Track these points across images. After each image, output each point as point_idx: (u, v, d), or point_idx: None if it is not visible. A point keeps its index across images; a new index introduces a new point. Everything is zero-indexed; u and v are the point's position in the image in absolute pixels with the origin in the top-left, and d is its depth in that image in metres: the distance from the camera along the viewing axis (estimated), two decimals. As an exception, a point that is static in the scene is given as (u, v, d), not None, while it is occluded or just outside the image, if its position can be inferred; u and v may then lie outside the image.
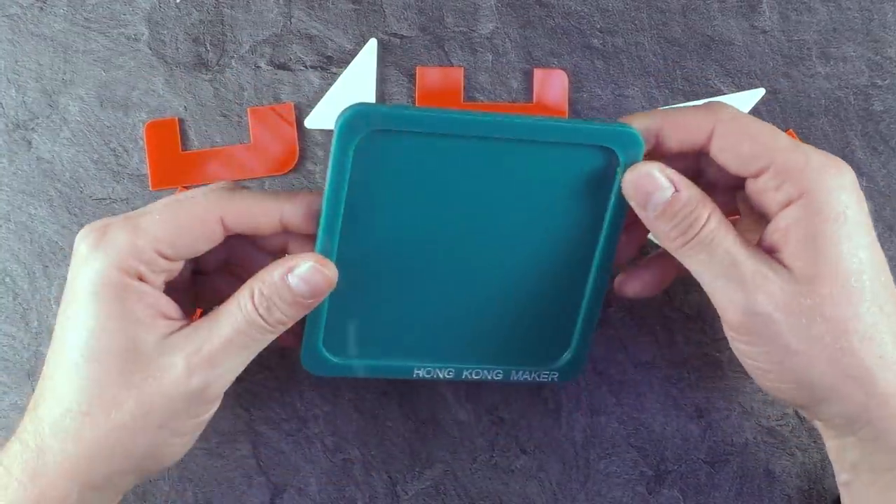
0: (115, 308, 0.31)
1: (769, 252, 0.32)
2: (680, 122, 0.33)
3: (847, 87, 0.43)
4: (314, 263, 0.32)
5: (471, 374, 0.37)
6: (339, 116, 0.32)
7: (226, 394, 0.33)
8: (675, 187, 0.31)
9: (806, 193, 0.30)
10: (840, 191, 0.30)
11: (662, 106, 0.42)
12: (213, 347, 0.31)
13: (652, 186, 0.32)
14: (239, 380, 0.33)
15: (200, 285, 0.37)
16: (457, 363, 0.37)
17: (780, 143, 0.31)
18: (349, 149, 0.32)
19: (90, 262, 0.31)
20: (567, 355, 0.38)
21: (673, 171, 0.32)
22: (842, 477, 0.34)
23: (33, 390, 0.33)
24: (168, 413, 0.31)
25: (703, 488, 0.41)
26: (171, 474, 0.40)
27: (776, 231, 0.32)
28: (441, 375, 0.37)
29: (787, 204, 0.31)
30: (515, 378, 0.38)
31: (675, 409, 0.41)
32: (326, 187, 0.33)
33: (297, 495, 0.40)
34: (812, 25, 0.43)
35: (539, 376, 0.38)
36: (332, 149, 0.32)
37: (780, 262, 0.31)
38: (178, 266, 0.33)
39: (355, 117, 0.31)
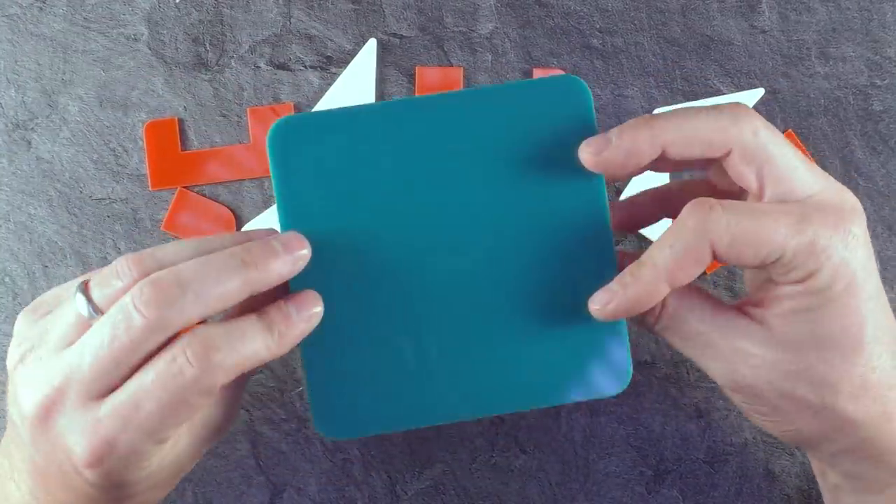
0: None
1: (755, 305, 0.30)
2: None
3: (846, 87, 0.43)
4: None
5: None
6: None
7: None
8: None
9: (813, 275, 0.28)
10: (848, 260, 0.28)
11: (661, 107, 0.42)
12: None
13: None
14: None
15: None
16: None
17: (782, 234, 0.28)
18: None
19: (95, 483, 0.29)
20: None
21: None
22: (826, 495, 0.35)
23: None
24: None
25: (703, 488, 0.41)
26: (170, 474, 0.40)
27: (770, 292, 0.30)
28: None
29: (790, 282, 0.29)
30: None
31: (675, 409, 0.41)
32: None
33: (296, 495, 0.40)
34: (811, 25, 0.43)
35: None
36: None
37: (764, 324, 0.29)
38: None
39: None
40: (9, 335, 0.41)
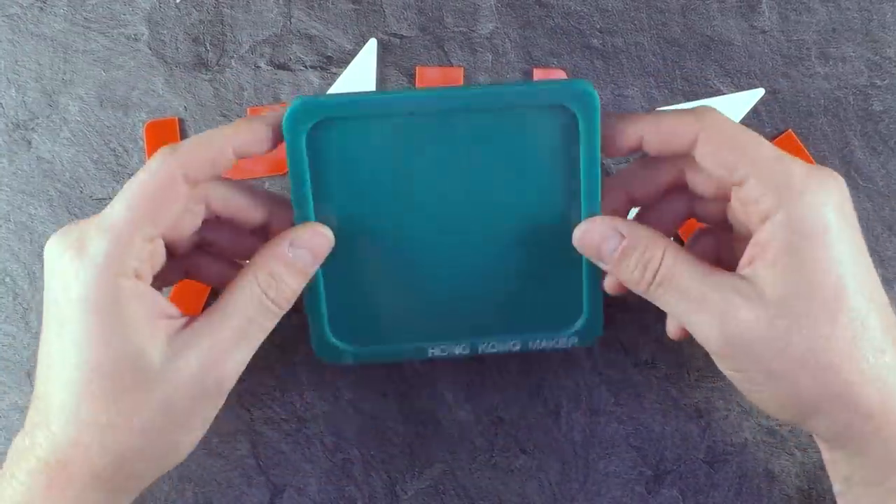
0: (117, 319, 0.30)
1: (745, 266, 0.31)
2: (664, 127, 0.32)
3: (846, 88, 0.43)
4: (312, 228, 0.33)
5: (487, 346, 0.37)
6: (286, 110, 0.33)
7: (225, 394, 0.33)
8: (622, 234, 0.32)
9: (784, 207, 0.29)
10: (822, 206, 0.29)
11: (662, 107, 0.42)
12: (226, 343, 0.31)
13: (599, 239, 0.33)
14: (239, 380, 0.33)
15: (172, 268, 0.36)
16: (471, 338, 0.37)
17: (763, 154, 0.30)
18: (300, 141, 0.33)
19: (79, 275, 0.30)
20: (581, 318, 0.37)
21: (619, 219, 0.33)
22: (836, 487, 0.35)
23: (33, 390, 0.33)
24: (186, 413, 0.32)
25: (703, 488, 0.41)
26: (170, 474, 0.40)
27: (755, 246, 0.31)
28: (457, 352, 0.37)
29: (767, 218, 0.30)
30: (534, 347, 0.37)
31: (675, 409, 0.41)
32: (290, 182, 0.33)
33: (296, 495, 0.40)
34: (811, 26, 0.43)
35: (557, 342, 0.37)
36: (286, 144, 0.33)
37: (754, 281, 0.30)
38: (162, 253, 0.33)
39: (298, 111, 0.32)
40: (9, 335, 0.41)
